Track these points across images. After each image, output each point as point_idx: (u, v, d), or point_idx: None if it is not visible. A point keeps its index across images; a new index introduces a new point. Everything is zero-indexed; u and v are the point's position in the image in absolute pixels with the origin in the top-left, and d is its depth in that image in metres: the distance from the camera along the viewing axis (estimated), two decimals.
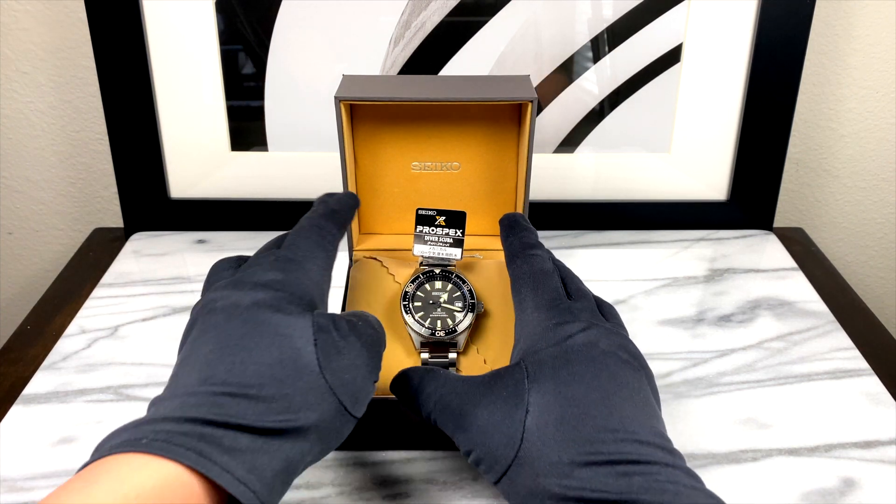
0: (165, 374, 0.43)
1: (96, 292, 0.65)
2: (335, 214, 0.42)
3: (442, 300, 0.47)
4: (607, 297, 0.63)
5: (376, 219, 0.57)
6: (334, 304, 0.47)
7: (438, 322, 0.47)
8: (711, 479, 0.45)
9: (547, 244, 0.71)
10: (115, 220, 0.81)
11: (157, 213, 0.73)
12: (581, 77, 0.70)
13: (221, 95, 0.69)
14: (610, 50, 0.69)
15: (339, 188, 0.53)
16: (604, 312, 0.41)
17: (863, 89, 0.77)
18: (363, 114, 0.53)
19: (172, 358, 0.37)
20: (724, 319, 0.61)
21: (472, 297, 0.47)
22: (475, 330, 0.48)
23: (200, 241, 0.72)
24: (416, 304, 0.47)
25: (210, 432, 0.29)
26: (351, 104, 0.52)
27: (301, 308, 0.35)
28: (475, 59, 0.69)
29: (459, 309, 0.47)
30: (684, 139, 0.72)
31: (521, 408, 0.34)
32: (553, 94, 0.70)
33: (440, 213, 0.49)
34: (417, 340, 0.47)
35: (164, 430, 0.29)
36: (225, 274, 0.38)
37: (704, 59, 0.69)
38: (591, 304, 0.40)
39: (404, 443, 0.47)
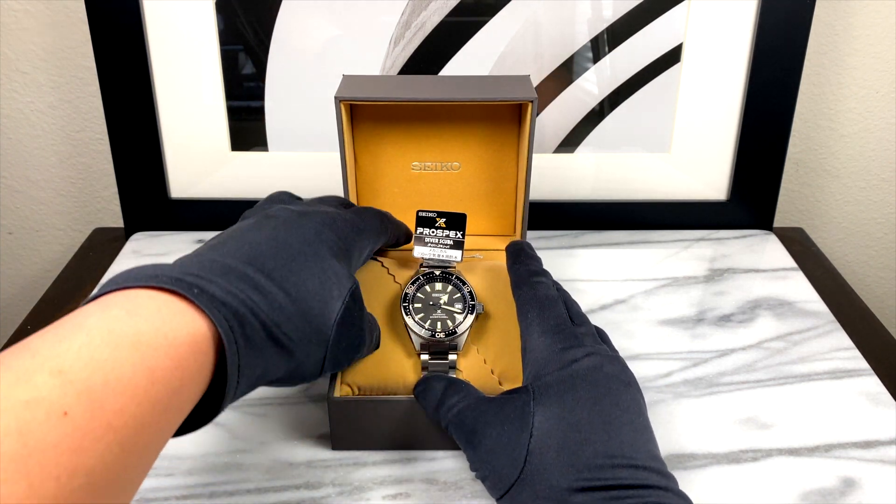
0: None
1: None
2: (381, 234, 0.47)
3: (442, 301, 0.47)
4: (607, 297, 0.64)
5: None
6: None
7: (438, 324, 0.47)
8: (711, 479, 0.45)
9: (547, 244, 0.72)
10: (116, 220, 0.81)
11: (157, 213, 0.73)
12: (581, 77, 0.70)
13: (221, 95, 0.69)
14: (610, 50, 0.69)
15: (339, 188, 0.53)
16: (601, 338, 0.43)
17: (863, 89, 0.77)
18: (363, 114, 0.53)
19: None
20: (724, 319, 0.61)
21: (473, 299, 0.47)
22: (475, 330, 0.48)
23: (200, 241, 0.72)
24: (416, 305, 0.47)
25: (239, 307, 0.31)
26: (351, 104, 0.52)
27: (349, 269, 0.39)
28: (475, 59, 0.69)
29: (459, 310, 0.47)
30: (684, 139, 0.72)
31: (526, 431, 0.36)
32: (553, 94, 0.70)
33: (440, 214, 0.49)
34: (417, 342, 0.47)
35: (211, 280, 0.31)
36: (287, 200, 0.43)
37: (704, 59, 0.69)
38: (591, 328, 0.42)
39: (405, 443, 0.47)
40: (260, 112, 0.70)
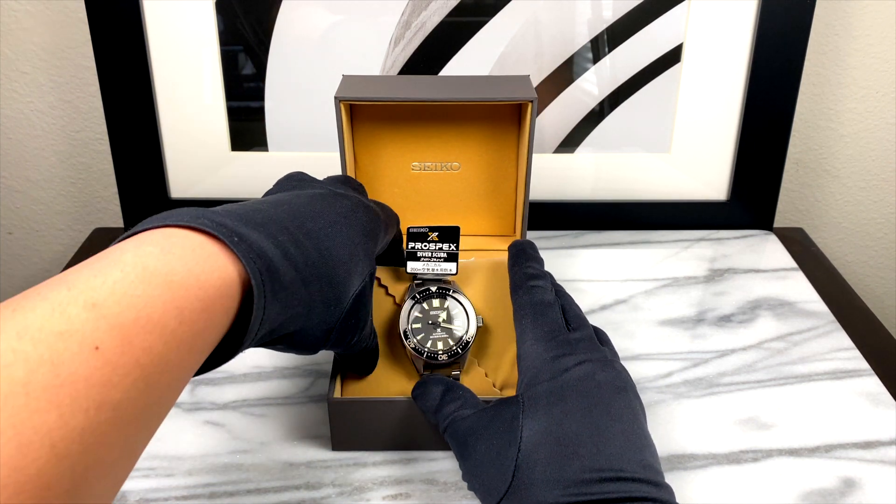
0: None
1: None
2: (395, 227, 0.46)
3: (441, 319, 0.47)
4: (607, 297, 0.64)
5: None
6: None
7: (440, 344, 0.46)
8: (712, 479, 0.45)
9: (547, 244, 0.72)
10: (116, 220, 0.81)
11: (157, 213, 0.73)
12: (581, 77, 0.70)
13: (221, 96, 0.69)
14: (610, 50, 0.69)
15: None
16: (600, 339, 0.43)
17: (863, 89, 0.77)
18: (363, 114, 0.53)
19: None
20: (725, 320, 0.61)
21: (473, 314, 0.47)
22: (475, 342, 0.48)
23: None
24: (414, 326, 0.47)
25: (274, 256, 0.32)
26: (351, 104, 0.52)
27: (373, 252, 0.40)
28: (475, 59, 0.68)
29: (460, 327, 0.46)
30: (684, 139, 0.72)
31: (514, 445, 0.36)
32: (553, 95, 0.70)
33: (432, 229, 0.47)
34: (420, 365, 0.47)
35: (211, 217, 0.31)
36: (308, 178, 0.43)
37: (704, 60, 0.69)
38: (589, 332, 0.41)
39: (406, 444, 0.47)
40: (260, 112, 0.70)
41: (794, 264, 0.69)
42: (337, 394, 0.46)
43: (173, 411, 0.50)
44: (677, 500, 0.35)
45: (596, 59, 0.69)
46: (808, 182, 0.82)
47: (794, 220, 0.84)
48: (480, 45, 0.68)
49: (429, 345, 0.46)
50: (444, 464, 0.46)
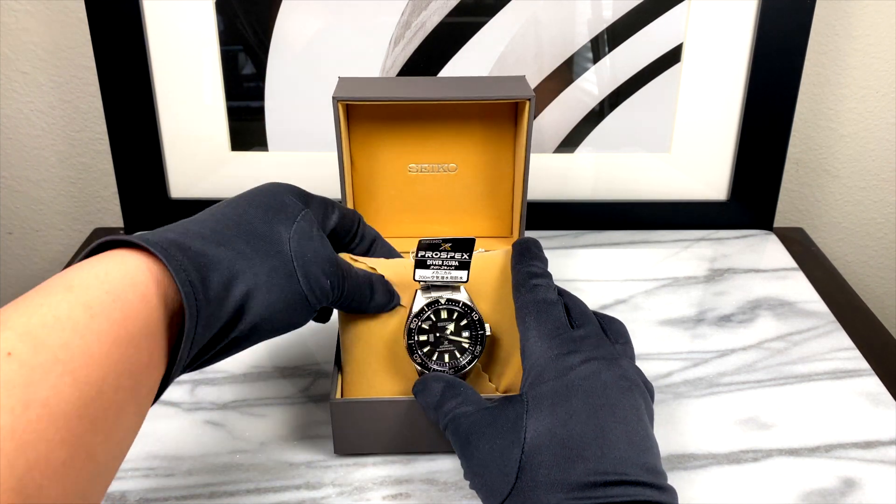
0: None
1: None
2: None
3: (449, 331, 0.44)
4: (607, 297, 0.64)
5: (373, 221, 0.57)
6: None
7: (446, 357, 0.44)
8: (712, 479, 0.45)
9: (547, 244, 0.71)
10: (115, 220, 0.81)
11: (157, 213, 0.73)
12: (581, 77, 0.70)
13: (221, 96, 0.69)
14: (610, 50, 0.69)
15: (337, 189, 0.53)
16: (610, 333, 0.41)
17: (863, 89, 0.77)
18: (360, 115, 0.53)
19: None
20: (725, 319, 0.61)
21: (482, 327, 0.44)
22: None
23: None
24: (420, 338, 0.44)
25: (188, 241, 0.34)
26: (348, 105, 0.52)
27: (303, 205, 0.41)
28: (475, 60, 0.68)
29: (468, 339, 0.44)
30: (684, 139, 0.72)
31: (518, 446, 0.36)
32: (553, 94, 0.70)
33: (446, 240, 0.44)
34: None
35: (151, 237, 0.33)
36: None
37: (704, 59, 0.69)
38: (594, 328, 0.41)
39: (409, 446, 0.47)
40: (260, 112, 0.70)
41: (794, 264, 0.69)
42: (338, 395, 0.46)
43: (173, 411, 0.50)
44: (679, 503, 0.35)
45: (596, 59, 0.69)
46: (808, 182, 0.82)
47: (794, 220, 0.84)
48: (480, 45, 0.68)
49: (434, 358, 0.44)
50: (444, 464, 0.46)
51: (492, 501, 0.36)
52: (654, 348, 0.57)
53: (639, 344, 0.58)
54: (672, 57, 0.69)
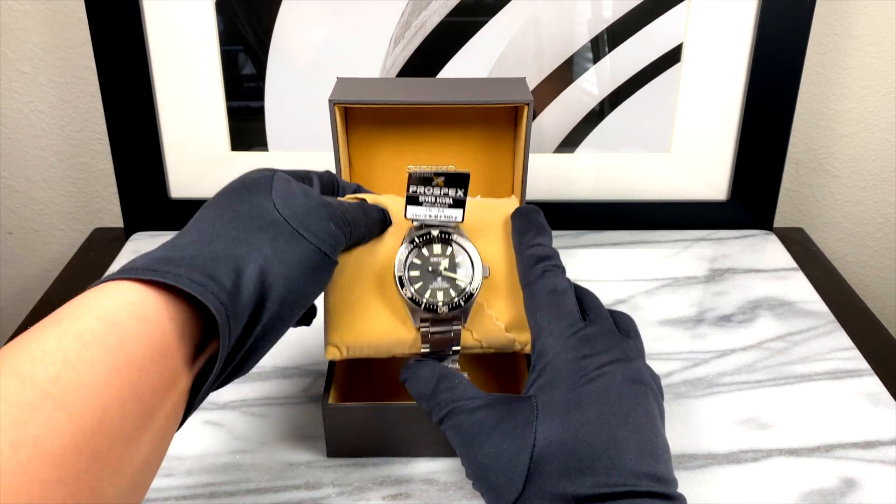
0: None
1: None
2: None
3: (442, 267, 0.42)
4: (607, 297, 0.63)
5: None
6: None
7: (440, 294, 0.41)
8: (712, 479, 0.45)
9: None
10: (115, 219, 0.81)
11: (157, 213, 0.73)
12: (581, 77, 0.70)
13: (221, 96, 0.69)
14: (610, 50, 0.69)
15: None
16: (622, 327, 0.40)
17: (863, 89, 0.77)
18: (358, 117, 0.53)
19: None
20: (725, 319, 0.61)
21: (478, 263, 0.42)
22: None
23: None
24: (412, 273, 0.41)
25: (173, 252, 0.31)
26: (346, 107, 0.52)
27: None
28: (475, 60, 0.68)
29: (463, 277, 0.41)
30: (684, 139, 0.72)
31: (527, 453, 0.34)
32: (553, 95, 0.70)
33: (438, 173, 0.41)
34: (416, 316, 0.42)
35: (141, 261, 0.31)
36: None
37: (704, 59, 0.69)
38: (608, 324, 0.39)
39: (403, 450, 0.47)
40: (260, 112, 0.70)
41: (794, 264, 0.69)
42: (327, 353, 0.44)
43: None
44: None
45: (596, 59, 0.69)
46: (808, 182, 0.82)
47: (794, 220, 0.84)
48: (480, 45, 0.68)
49: (427, 295, 0.41)
50: (444, 464, 0.46)
51: None
52: (654, 348, 0.57)
53: None
54: (672, 57, 0.69)
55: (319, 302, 0.40)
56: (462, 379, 0.39)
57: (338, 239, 0.37)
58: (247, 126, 0.71)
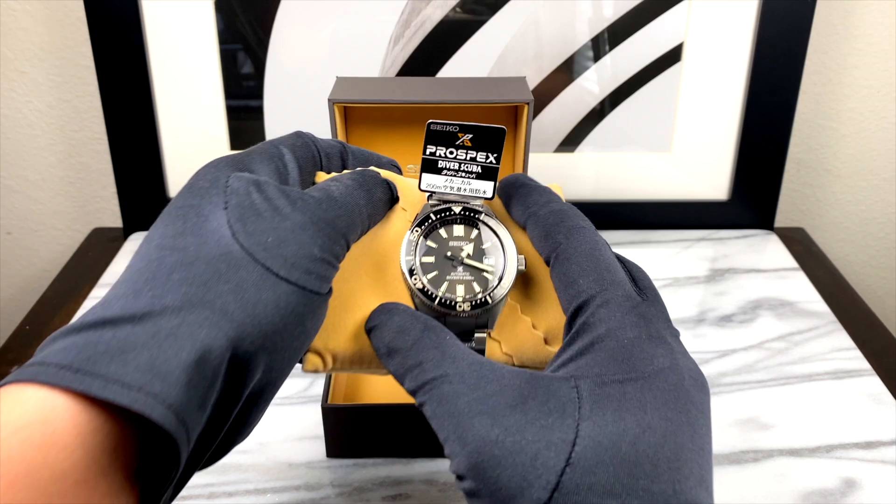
0: None
1: (95, 292, 0.64)
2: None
3: (465, 254, 0.32)
4: None
5: None
6: None
7: (460, 289, 0.31)
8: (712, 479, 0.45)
9: None
10: (114, 219, 0.81)
11: (156, 213, 0.72)
12: (581, 76, 0.69)
13: (221, 95, 0.69)
14: (610, 49, 0.69)
15: None
16: (641, 287, 0.32)
17: (864, 88, 0.77)
18: (357, 116, 0.53)
19: None
20: (725, 319, 0.60)
21: (512, 251, 0.32)
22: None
23: None
24: (424, 259, 0.32)
25: (95, 337, 0.23)
26: (345, 106, 0.52)
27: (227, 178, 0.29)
28: (475, 59, 0.68)
29: (491, 269, 0.32)
30: (685, 139, 0.72)
31: (563, 451, 0.24)
32: (553, 94, 0.70)
33: (464, 128, 0.32)
34: (428, 314, 0.31)
35: (54, 350, 0.23)
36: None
37: (705, 59, 0.69)
38: (665, 308, 0.30)
39: (402, 451, 0.47)
40: (259, 111, 0.70)
41: (794, 264, 0.69)
42: (307, 363, 0.41)
43: None
44: None
45: (596, 58, 0.69)
46: (808, 182, 0.82)
47: (795, 220, 0.84)
48: (480, 44, 0.68)
49: (444, 288, 0.31)
50: (443, 464, 0.46)
51: None
52: None
53: None
54: (673, 56, 0.69)
55: None
56: (456, 346, 0.28)
57: (329, 263, 0.28)
58: (246, 125, 0.71)
